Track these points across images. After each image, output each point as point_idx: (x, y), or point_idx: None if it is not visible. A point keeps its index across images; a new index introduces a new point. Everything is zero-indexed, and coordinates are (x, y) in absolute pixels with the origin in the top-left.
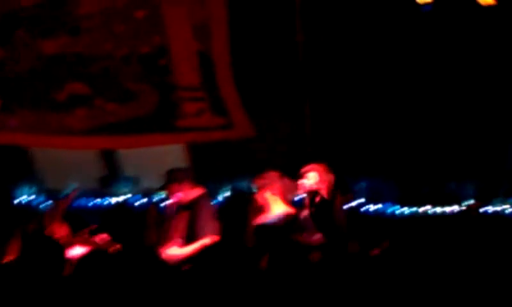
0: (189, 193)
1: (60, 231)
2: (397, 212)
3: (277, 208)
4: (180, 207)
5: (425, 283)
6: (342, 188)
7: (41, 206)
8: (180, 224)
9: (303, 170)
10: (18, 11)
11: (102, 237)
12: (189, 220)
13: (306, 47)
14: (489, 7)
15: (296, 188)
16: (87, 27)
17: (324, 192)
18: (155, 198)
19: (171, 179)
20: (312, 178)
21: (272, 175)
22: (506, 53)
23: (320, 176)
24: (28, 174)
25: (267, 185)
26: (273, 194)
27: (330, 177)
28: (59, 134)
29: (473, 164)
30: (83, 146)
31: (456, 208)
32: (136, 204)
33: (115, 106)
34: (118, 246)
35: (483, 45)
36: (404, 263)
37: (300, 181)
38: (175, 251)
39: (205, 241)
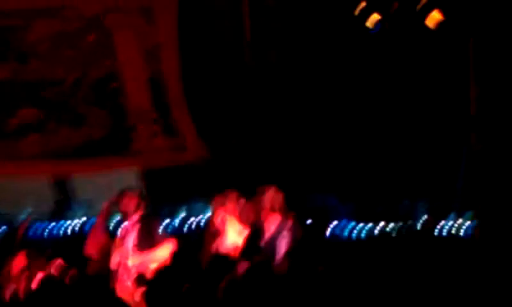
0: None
1: (19, 261)
2: (353, 230)
3: (233, 231)
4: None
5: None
6: (298, 210)
7: None
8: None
9: (258, 191)
10: None
11: (58, 263)
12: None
13: (256, 67)
14: (433, 31)
15: (251, 209)
16: (37, 52)
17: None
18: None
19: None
20: (267, 201)
21: (229, 196)
22: (456, 72)
23: (274, 198)
24: None
25: (224, 205)
26: (230, 214)
27: (281, 198)
28: (10, 160)
29: (426, 182)
30: (35, 171)
31: (410, 225)
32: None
33: (68, 130)
34: (74, 271)
35: (432, 65)
36: (364, 282)
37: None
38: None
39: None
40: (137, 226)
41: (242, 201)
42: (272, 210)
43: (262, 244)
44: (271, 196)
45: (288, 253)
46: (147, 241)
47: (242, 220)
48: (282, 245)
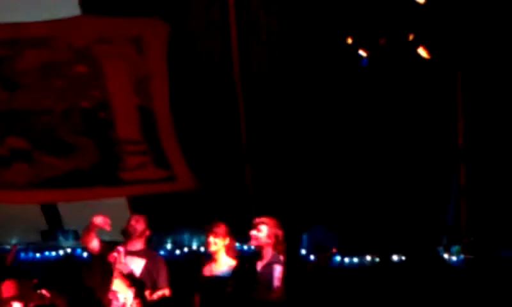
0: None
1: (7, 287)
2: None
3: (225, 260)
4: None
5: None
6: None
7: None
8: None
9: (255, 221)
10: None
11: (43, 292)
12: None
13: (247, 99)
14: (423, 61)
15: (235, 244)
16: (26, 82)
17: (271, 246)
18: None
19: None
20: (263, 231)
21: (221, 227)
22: (444, 105)
23: (270, 229)
24: None
25: (217, 236)
26: (221, 246)
27: (279, 232)
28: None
29: (415, 216)
30: (24, 200)
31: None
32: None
33: (55, 160)
34: (61, 301)
35: (420, 98)
36: None
37: (252, 232)
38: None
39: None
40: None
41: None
42: (269, 240)
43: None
44: (271, 226)
45: (282, 284)
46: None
47: (230, 252)
48: (275, 276)
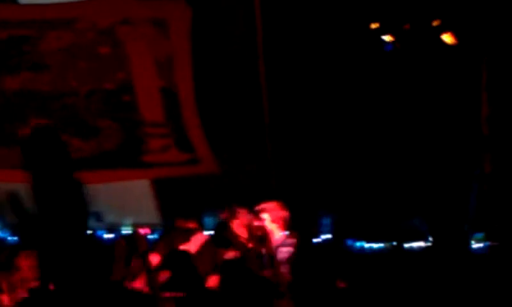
0: None
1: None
2: (366, 246)
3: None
4: None
5: None
6: (305, 224)
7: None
8: None
9: (258, 208)
10: None
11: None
12: None
13: (270, 82)
14: (445, 51)
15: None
16: (50, 63)
17: (281, 229)
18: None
19: None
20: (265, 218)
21: (242, 210)
22: (469, 92)
23: (274, 213)
24: None
25: (237, 218)
26: (240, 228)
27: (285, 214)
28: (17, 168)
29: (436, 202)
30: None
31: (421, 243)
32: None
33: (79, 142)
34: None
35: (445, 84)
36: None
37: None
38: None
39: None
40: None
41: (251, 216)
42: (276, 224)
43: (263, 253)
44: (274, 210)
45: (290, 266)
46: None
47: (250, 234)
48: (282, 258)
